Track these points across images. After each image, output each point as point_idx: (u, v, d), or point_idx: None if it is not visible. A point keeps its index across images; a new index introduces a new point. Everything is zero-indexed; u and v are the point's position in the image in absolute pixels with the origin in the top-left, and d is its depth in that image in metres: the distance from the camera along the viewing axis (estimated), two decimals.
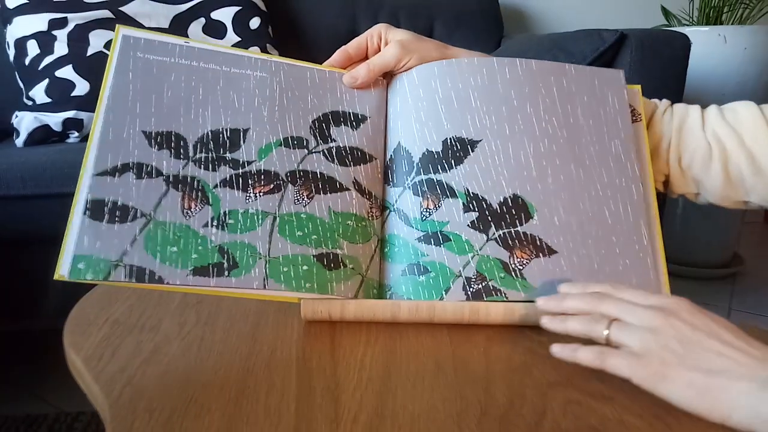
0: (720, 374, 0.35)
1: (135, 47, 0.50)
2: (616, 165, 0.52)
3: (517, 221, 0.49)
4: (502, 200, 0.50)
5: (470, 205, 0.49)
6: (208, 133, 0.49)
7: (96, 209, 0.44)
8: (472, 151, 0.51)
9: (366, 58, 0.56)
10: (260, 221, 0.47)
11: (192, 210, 0.46)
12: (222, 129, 0.49)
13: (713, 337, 0.37)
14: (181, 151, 0.48)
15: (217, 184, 0.47)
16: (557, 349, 0.42)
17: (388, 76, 0.57)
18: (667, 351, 0.37)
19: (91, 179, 0.45)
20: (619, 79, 0.56)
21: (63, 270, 0.42)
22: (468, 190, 0.50)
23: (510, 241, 0.49)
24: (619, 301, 0.41)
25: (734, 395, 0.34)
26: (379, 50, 0.55)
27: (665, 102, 0.59)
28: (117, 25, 0.51)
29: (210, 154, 0.48)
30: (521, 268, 0.48)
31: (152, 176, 0.46)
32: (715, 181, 0.56)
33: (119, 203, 0.44)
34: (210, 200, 0.46)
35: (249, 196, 0.47)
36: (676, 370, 0.36)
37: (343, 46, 0.56)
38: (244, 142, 0.49)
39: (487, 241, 0.48)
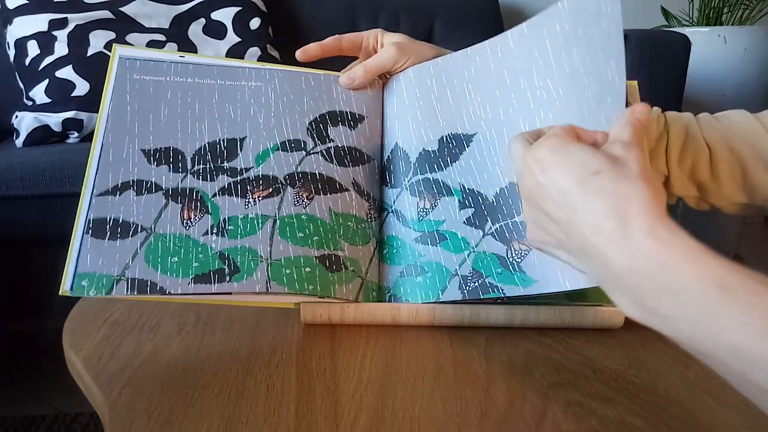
0: None
1: (131, 70, 0.51)
2: (612, 97, 0.42)
3: (514, 211, 0.48)
4: (497, 192, 0.49)
5: (466, 201, 0.49)
6: (205, 145, 0.49)
7: (98, 228, 0.44)
8: (468, 146, 0.51)
9: (356, 55, 0.57)
10: (260, 225, 0.47)
11: (192, 220, 0.46)
12: (219, 140, 0.50)
13: None
14: (180, 164, 0.48)
15: (215, 193, 0.47)
16: None
17: (384, 77, 0.57)
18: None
19: (92, 200, 0.45)
20: None
21: (66, 286, 0.42)
22: (464, 186, 0.50)
23: (507, 234, 0.48)
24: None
25: None
26: (374, 52, 0.56)
27: (656, 109, 0.59)
28: (113, 45, 0.52)
29: (208, 165, 0.49)
30: (519, 260, 0.47)
31: (152, 192, 0.47)
32: (715, 181, 0.56)
33: (120, 220, 0.45)
34: (209, 209, 0.47)
35: (248, 202, 0.47)
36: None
37: (338, 35, 0.57)
38: (241, 150, 0.50)
39: (483, 236, 0.48)
